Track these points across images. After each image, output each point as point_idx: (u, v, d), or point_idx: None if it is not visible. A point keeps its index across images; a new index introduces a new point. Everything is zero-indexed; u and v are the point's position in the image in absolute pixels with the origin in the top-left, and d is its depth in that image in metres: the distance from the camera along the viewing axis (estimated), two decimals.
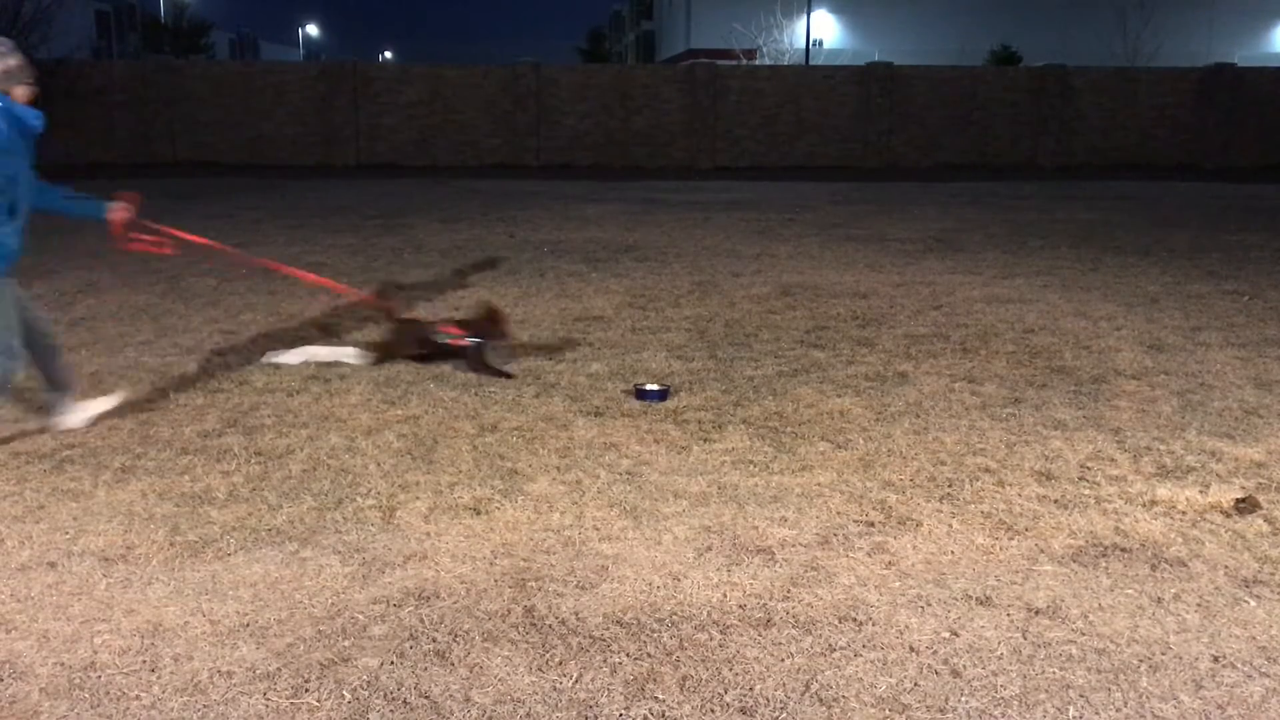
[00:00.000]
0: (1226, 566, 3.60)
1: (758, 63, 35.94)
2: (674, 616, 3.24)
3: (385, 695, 2.81)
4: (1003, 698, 2.82)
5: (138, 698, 2.80)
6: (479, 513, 4.02)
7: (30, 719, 2.72)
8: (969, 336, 6.99)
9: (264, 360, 6.28)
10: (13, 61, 4.49)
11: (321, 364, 6.18)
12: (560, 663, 2.97)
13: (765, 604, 3.31)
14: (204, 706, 2.76)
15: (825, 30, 45.24)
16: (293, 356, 6.33)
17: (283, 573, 3.51)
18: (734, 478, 4.41)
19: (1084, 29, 41.22)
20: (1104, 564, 3.62)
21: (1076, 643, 3.10)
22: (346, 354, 6.39)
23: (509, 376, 5.89)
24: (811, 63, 35.67)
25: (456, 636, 3.11)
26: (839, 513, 4.05)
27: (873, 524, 3.94)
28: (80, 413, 5.09)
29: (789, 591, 3.40)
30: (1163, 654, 3.04)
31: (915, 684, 2.88)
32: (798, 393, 5.65)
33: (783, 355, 6.45)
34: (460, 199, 16.49)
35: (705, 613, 3.26)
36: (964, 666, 2.96)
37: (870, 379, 5.93)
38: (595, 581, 3.46)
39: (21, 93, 4.54)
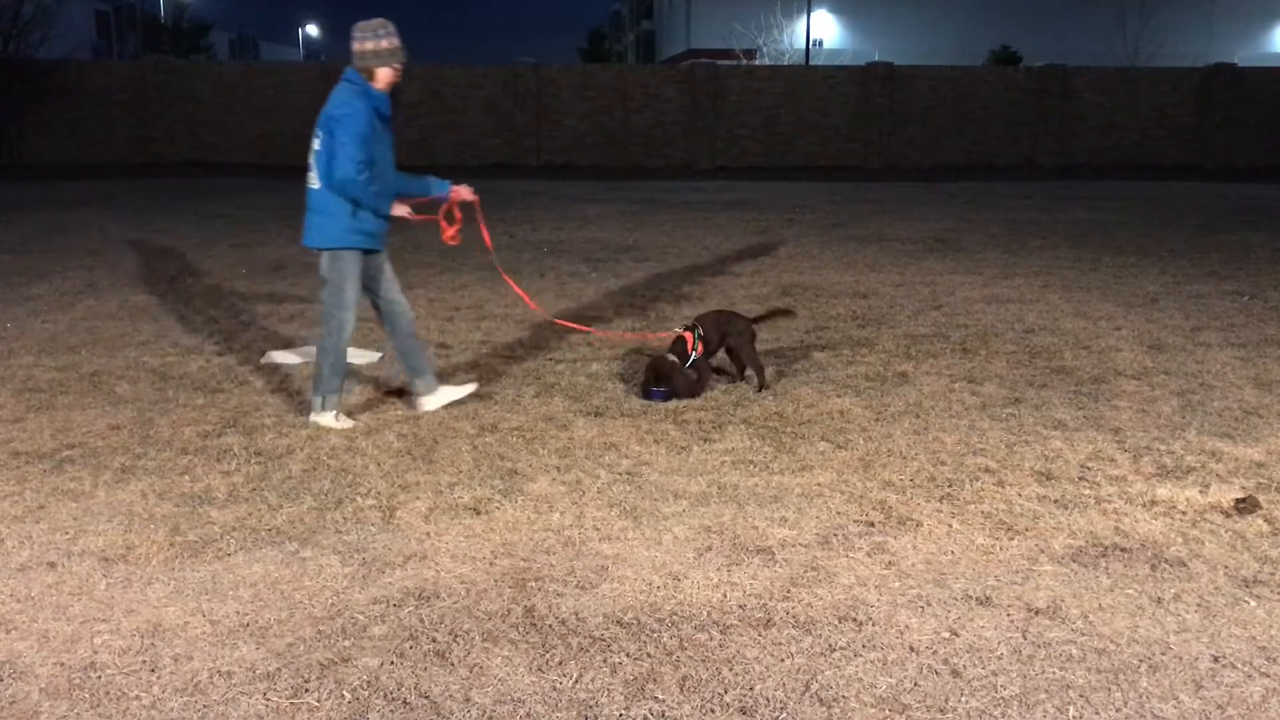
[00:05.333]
0: (1226, 566, 3.60)
1: (758, 63, 35.92)
2: (674, 616, 3.23)
3: (385, 695, 2.81)
4: (1003, 698, 2.82)
5: (138, 698, 2.80)
6: (479, 513, 4.02)
7: (30, 719, 2.72)
8: (969, 336, 6.99)
9: (264, 360, 6.28)
10: (384, 44, 4.70)
11: None
12: (560, 663, 2.97)
13: (765, 604, 3.31)
14: (204, 706, 2.76)
15: (825, 30, 45.23)
16: (293, 356, 6.33)
17: (283, 573, 3.52)
18: (734, 478, 4.41)
19: (1084, 29, 41.21)
20: (1104, 564, 3.62)
21: (1076, 643, 3.10)
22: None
23: None
24: (811, 63, 35.65)
25: (456, 636, 3.11)
26: (839, 513, 4.05)
27: (873, 524, 3.94)
28: (437, 397, 5.22)
29: (789, 591, 3.40)
30: (1163, 654, 3.04)
31: (915, 684, 2.88)
32: (798, 393, 5.64)
33: (783, 355, 6.45)
34: None
35: (705, 613, 3.26)
36: (964, 666, 2.96)
37: (870, 379, 5.93)
38: (595, 581, 3.46)
39: (385, 75, 4.73)
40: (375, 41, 4.73)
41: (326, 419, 5.05)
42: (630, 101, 25.07)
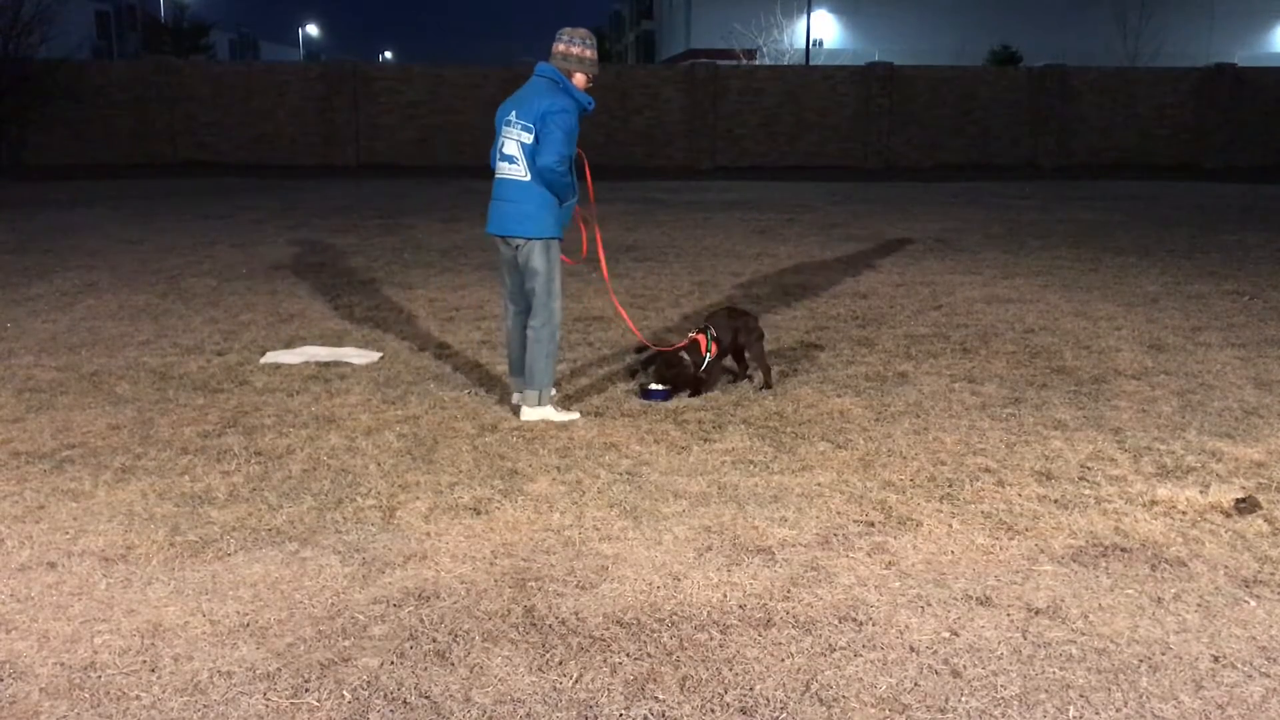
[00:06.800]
0: (1226, 566, 3.60)
1: (758, 63, 35.92)
2: (674, 616, 3.24)
3: (385, 695, 2.81)
4: (1003, 698, 2.82)
5: (138, 698, 2.80)
6: (479, 513, 4.02)
7: (30, 719, 2.72)
8: (969, 336, 6.99)
9: (264, 360, 6.28)
10: (587, 53, 5.06)
11: (321, 364, 6.18)
12: (560, 663, 2.97)
13: (765, 604, 3.31)
14: (204, 706, 2.76)
15: (825, 30, 45.21)
16: (293, 356, 6.33)
17: (283, 573, 3.52)
18: (734, 478, 4.41)
19: (1084, 29, 41.21)
20: (1104, 564, 3.62)
21: (1076, 643, 3.10)
22: (346, 354, 6.40)
23: None
24: (811, 63, 35.66)
25: (456, 636, 3.11)
26: (839, 513, 4.05)
27: (873, 524, 3.94)
28: (542, 413, 5.14)
29: (789, 591, 3.40)
30: (1163, 654, 3.04)
31: (915, 684, 2.88)
32: (798, 393, 5.64)
33: (783, 355, 6.45)
34: (460, 199, 16.48)
35: (705, 613, 3.26)
36: (964, 666, 2.96)
37: (870, 379, 5.93)
38: (595, 581, 3.46)
39: (580, 80, 5.06)
40: (581, 48, 5.05)
41: (549, 413, 5.11)
42: (630, 101, 25.08)
